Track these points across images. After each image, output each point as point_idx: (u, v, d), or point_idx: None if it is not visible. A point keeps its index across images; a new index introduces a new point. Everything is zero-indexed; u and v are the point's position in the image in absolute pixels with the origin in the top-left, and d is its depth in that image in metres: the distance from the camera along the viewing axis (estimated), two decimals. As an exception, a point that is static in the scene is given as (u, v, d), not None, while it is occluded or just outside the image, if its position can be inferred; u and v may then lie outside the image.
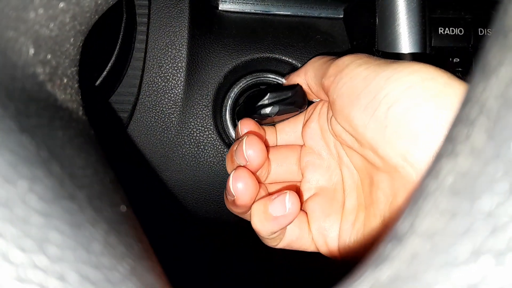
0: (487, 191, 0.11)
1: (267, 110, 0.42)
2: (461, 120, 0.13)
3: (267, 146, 0.39)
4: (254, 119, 0.41)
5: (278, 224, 0.32)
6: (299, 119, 0.40)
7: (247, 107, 0.42)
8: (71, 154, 0.19)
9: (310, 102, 0.40)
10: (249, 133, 0.38)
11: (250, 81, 0.48)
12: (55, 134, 0.19)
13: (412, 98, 0.26)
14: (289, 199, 0.31)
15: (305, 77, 0.37)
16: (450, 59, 0.42)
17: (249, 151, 0.34)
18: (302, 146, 0.40)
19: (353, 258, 0.32)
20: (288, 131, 0.41)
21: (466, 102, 0.13)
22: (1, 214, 0.13)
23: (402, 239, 0.12)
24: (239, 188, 0.32)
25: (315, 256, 0.36)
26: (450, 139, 0.13)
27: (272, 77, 0.48)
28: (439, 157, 0.13)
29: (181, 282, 0.21)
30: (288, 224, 0.33)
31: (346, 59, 0.32)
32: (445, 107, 0.25)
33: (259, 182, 0.39)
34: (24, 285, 0.12)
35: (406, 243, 0.12)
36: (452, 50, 0.42)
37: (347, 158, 0.35)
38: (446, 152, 0.13)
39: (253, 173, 0.34)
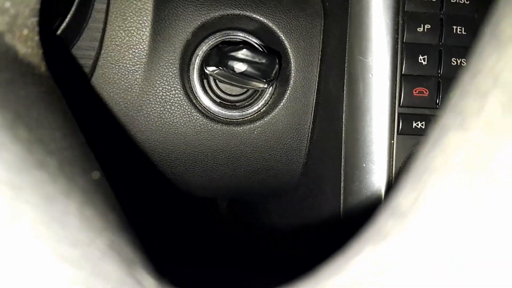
0: (504, 167, 0.10)
1: (236, 64, 0.41)
2: (469, 92, 0.12)
3: None
4: (217, 66, 0.40)
5: None
6: None
7: (218, 53, 0.41)
8: (37, 116, 0.17)
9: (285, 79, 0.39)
10: None
11: (219, 39, 0.46)
12: (18, 93, 0.17)
13: None
14: None
15: None
16: (420, 28, 0.41)
17: None
18: None
19: None
20: None
21: (475, 74, 0.12)
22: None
23: (405, 215, 0.12)
24: None
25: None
26: (458, 112, 0.12)
27: (241, 36, 0.46)
28: (445, 130, 0.12)
29: (155, 249, 0.20)
30: None
31: None
32: None
33: None
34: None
35: (410, 220, 0.12)
36: (424, 15, 0.41)
37: None
38: (453, 125, 0.12)
39: None
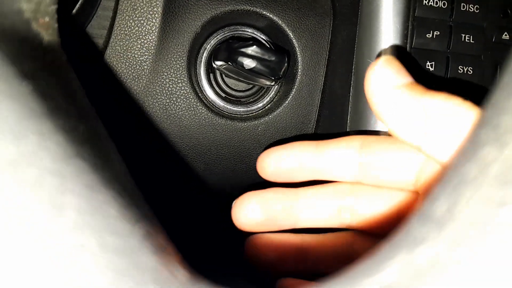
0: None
1: (245, 60, 0.41)
2: (506, 109, 0.13)
3: None
4: (225, 61, 0.40)
5: None
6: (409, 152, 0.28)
7: (227, 49, 0.41)
8: (67, 105, 0.17)
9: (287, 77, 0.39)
10: None
11: (227, 34, 0.46)
12: (50, 80, 0.17)
13: None
14: None
15: (423, 137, 0.24)
16: (429, 34, 0.42)
17: None
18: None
19: None
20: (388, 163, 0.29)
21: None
22: (12, 175, 0.11)
23: (441, 223, 0.12)
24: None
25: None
26: (493, 127, 0.13)
27: (249, 31, 0.46)
28: (481, 144, 0.13)
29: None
30: None
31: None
32: None
33: None
34: (44, 253, 0.11)
35: (446, 228, 0.12)
36: (434, 22, 0.42)
37: None
38: (488, 139, 0.13)
39: None
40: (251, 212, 0.32)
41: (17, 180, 0.12)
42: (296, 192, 0.32)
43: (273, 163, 0.32)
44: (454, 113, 0.22)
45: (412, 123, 0.23)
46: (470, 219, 0.12)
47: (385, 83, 0.25)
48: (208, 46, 0.45)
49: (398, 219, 0.27)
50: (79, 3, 0.37)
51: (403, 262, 0.12)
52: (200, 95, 0.45)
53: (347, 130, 0.45)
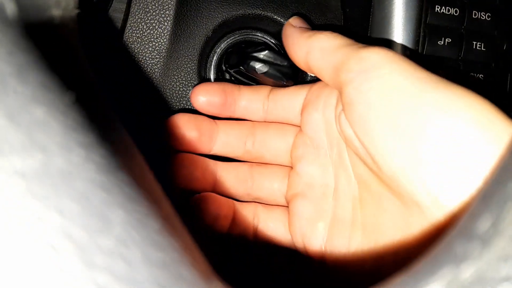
0: None
1: (257, 64, 0.41)
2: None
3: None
4: (237, 66, 0.40)
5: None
6: (299, 94, 0.37)
7: (240, 52, 0.41)
8: (103, 115, 0.17)
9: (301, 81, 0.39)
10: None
11: (238, 38, 0.46)
12: (84, 92, 0.17)
13: (466, 138, 0.22)
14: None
15: (307, 55, 0.32)
16: (441, 41, 0.42)
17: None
18: (297, 127, 0.37)
19: (354, 266, 0.29)
20: (284, 103, 0.38)
21: None
22: (62, 188, 0.11)
23: (486, 239, 0.12)
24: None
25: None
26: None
27: (259, 36, 0.46)
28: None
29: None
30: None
31: (374, 56, 0.26)
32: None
33: (243, 160, 0.38)
34: (91, 270, 0.11)
35: (493, 244, 0.12)
36: (446, 29, 0.42)
37: (349, 163, 0.31)
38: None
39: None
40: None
41: (66, 193, 0.11)
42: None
43: (202, 95, 0.38)
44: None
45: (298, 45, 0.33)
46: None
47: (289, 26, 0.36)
48: (219, 50, 0.45)
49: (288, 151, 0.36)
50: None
51: (449, 278, 0.12)
52: (210, 98, 0.45)
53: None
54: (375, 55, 0.26)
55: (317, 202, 0.33)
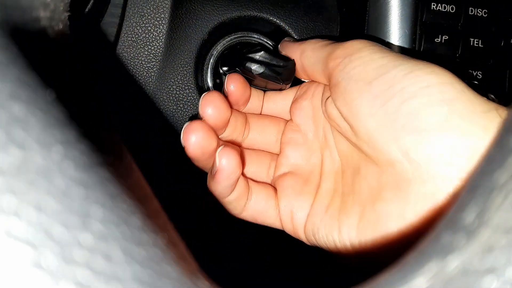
0: None
1: (253, 66, 0.41)
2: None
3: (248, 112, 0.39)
4: (234, 68, 0.40)
5: (217, 181, 0.32)
6: (290, 93, 0.40)
7: (236, 54, 0.41)
8: (86, 111, 0.17)
9: (298, 82, 0.39)
10: (233, 86, 0.37)
11: (234, 40, 0.46)
12: (68, 90, 0.17)
13: (428, 97, 0.26)
14: (220, 154, 0.31)
15: (301, 56, 0.36)
16: (437, 38, 0.42)
17: (207, 108, 0.33)
18: (287, 121, 0.39)
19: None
20: (277, 101, 0.40)
21: None
22: (41, 184, 0.11)
23: (471, 230, 0.12)
24: (192, 140, 0.31)
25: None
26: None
27: (256, 37, 0.46)
28: (509, 150, 0.13)
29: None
30: (229, 182, 0.32)
31: (356, 43, 0.31)
32: (458, 113, 0.25)
33: (237, 144, 0.38)
34: (70, 266, 0.11)
35: (478, 236, 0.12)
36: (442, 26, 0.42)
37: (333, 143, 0.35)
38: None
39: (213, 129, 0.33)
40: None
41: (45, 189, 0.11)
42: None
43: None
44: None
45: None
46: (502, 227, 0.12)
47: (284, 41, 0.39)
48: (215, 52, 0.45)
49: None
50: (86, 11, 0.37)
51: (435, 270, 0.12)
52: (207, 101, 0.45)
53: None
54: (357, 43, 0.31)
55: (304, 179, 0.35)
